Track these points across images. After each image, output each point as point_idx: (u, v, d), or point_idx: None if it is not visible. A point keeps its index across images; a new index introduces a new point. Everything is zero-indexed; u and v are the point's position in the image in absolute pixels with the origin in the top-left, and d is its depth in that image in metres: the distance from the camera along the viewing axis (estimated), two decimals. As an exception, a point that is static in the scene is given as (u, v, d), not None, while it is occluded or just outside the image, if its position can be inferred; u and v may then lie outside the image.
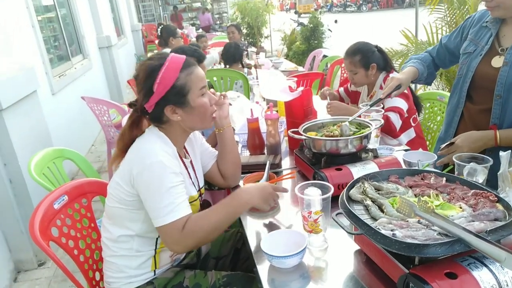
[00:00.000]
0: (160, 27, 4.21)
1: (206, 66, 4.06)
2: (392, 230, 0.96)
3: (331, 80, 4.33)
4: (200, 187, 1.50)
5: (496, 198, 1.05)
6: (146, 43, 11.22)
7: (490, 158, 1.29)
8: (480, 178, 1.26)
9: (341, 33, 11.65)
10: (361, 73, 2.30)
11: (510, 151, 1.18)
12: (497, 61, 1.55)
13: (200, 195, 1.48)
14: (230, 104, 1.64)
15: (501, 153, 1.18)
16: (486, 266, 0.89)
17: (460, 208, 1.04)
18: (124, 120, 1.68)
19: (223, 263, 1.59)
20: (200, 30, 11.15)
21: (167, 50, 3.92)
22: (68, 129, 4.29)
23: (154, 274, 1.35)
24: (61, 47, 5.09)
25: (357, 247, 1.19)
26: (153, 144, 1.28)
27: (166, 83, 1.25)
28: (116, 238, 1.32)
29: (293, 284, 1.10)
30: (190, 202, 1.31)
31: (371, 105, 1.72)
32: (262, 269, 1.17)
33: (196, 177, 1.47)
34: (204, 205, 2.70)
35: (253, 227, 1.41)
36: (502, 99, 1.54)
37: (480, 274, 0.88)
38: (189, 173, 1.40)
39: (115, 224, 1.33)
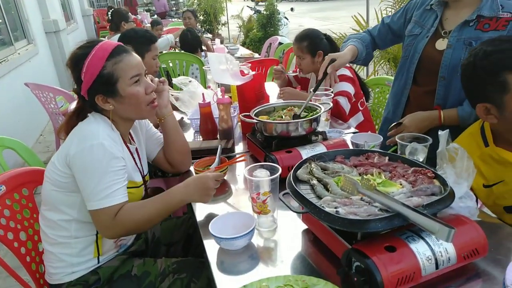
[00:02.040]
0: (111, 11, 4.02)
1: (161, 48, 3.96)
2: (335, 208, 0.98)
3: (286, 67, 4.36)
4: (145, 174, 1.46)
5: (433, 175, 1.10)
6: (99, 29, 10.73)
7: (429, 138, 1.34)
8: (421, 156, 1.32)
9: (297, 21, 11.74)
10: (308, 59, 2.35)
11: (448, 130, 1.24)
12: (441, 44, 1.61)
13: (144, 182, 1.44)
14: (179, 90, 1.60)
15: (440, 132, 1.23)
16: (422, 238, 0.94)
17: (401, 185, 1.08)
18: (72, 107, 1.62)
19: (174, 250, 1.57)
20: (155, 16, 10.82)
21: (119, 35, 3.77)
22: (13, 118, 4.04)
23: (98, 262, 1.31)
24: (2, 32, 4.77)
25: (305, 227, 1.21)
26: (96, 125, 1.24)
27: (91, 72, 1.21)
28: (53, 224, 1.27)
29: (242, 265, 1.10)
30: (133, 187, 1.29)
31: (314, 90, 1.74)
32: (212, 253, 1.16)
33: (141, 164, 1.44)
34: (157, 192, 2.66)
35: (204, 211, 1.40)
36: (446, 81, 1.61)
37: (417, 246, 0.92)
38: (134, 159, 1.36)
39: (51, 210, 1.27)
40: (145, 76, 1.34)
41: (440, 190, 1.03)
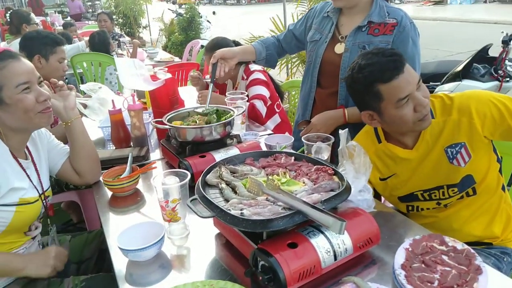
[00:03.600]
0: (9, 12, 3.68)
1: (70, 56, 3.73)
2: (241, 210, 1.00)
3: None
4: (44, 190, 1.36)
5: (333, 172, 1.17)
6: (3, 32, 9.80)
7: (332, 137, 1.43)
8: (325, 155, 1.40)
9: (220, 25, 11.81)
10: None
11: (347, 129, 1.32)
12: (339, 48, 1.72)
13: (45, 198, 1.35)
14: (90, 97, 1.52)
15: (340, 131, 1.31)
16: (322, 233, 0.99)
17: (303, 183, 1.13)
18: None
19: (86, 267, 1.48)
20: (69, 19, 10.17)
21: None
22: None
23: (-8, 290, 1.20)
24: None
25: (218, 231, 1.22)
26: None
27: None
28: None
29: (152, 275, 1.08)
30: (24, 204, 1.21)
31: (211, 81, 1.84)
32: (121, 266, 1.12)
33: (40, 179, 1.34)
34: (71, 206, 2.51)
35: (115, 223, 1.35)
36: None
37: (317, 241, 0.97)
38: (28, 175, 1.27)
39: None
40: (40, 84, 1.25)
41: (338, 185, 1.10)
